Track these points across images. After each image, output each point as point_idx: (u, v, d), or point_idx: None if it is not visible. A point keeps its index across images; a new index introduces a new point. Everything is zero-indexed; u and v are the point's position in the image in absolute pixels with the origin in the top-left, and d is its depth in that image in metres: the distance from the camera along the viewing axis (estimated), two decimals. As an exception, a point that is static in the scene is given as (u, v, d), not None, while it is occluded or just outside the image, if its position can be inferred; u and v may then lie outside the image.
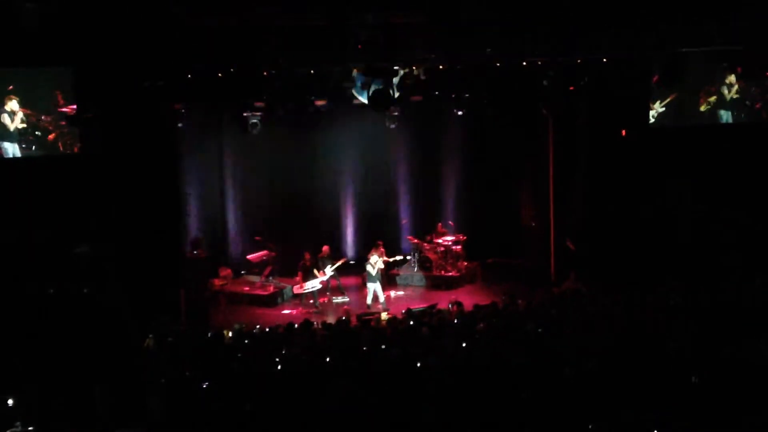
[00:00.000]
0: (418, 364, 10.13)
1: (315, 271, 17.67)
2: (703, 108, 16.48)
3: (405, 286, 19.11)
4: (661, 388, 8.90)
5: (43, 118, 14.55)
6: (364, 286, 18.62)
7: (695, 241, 16.41)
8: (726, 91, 16.46)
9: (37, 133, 14.55)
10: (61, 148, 14.68)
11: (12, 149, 14.44)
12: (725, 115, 16.60)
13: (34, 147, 14.56)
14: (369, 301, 17.36)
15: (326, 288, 18.02)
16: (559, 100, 16.90)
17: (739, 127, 16.65)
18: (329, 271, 17.85)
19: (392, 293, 18.24)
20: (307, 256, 18.05)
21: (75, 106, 14.41)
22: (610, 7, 14.23)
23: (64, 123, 14.58)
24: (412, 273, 19.31)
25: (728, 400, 8.61)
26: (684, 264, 15.71)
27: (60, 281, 14.51)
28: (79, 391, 9.77)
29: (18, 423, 9.07)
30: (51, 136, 14.63)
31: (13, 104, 14.36)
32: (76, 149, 14.78)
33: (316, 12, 13.43)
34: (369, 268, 17.36)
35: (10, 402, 9.56)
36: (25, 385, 10.07)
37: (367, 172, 20.77)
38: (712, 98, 16.41)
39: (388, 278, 18.18)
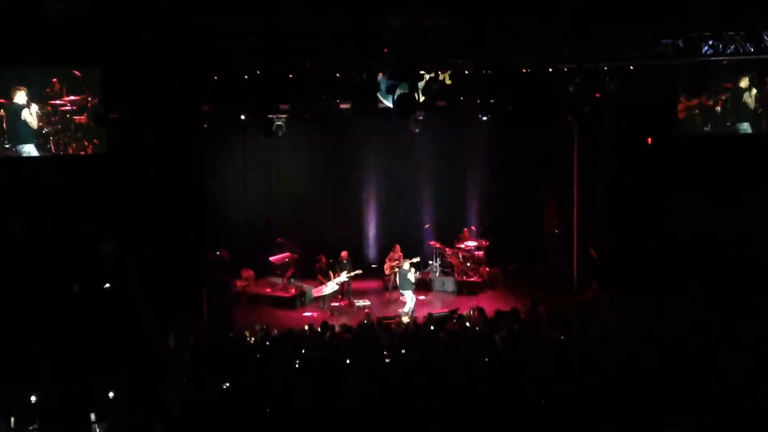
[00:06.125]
0: (438, 369, 10.12)
1: (330, 274, 17.76)
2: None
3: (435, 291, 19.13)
4: (684, 396, 8.83)
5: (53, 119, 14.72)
6: (385, 290, 18.67)
7: (717, 248, 16.26)
8: (748, 101, 16.40)
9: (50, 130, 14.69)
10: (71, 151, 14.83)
11: (28, 148, 14.58)
12: (744, 126, 16.53)
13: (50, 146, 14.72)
14: (410, 307, 17.17)
15: (339, 292, 18.05)
16: (585, 107, 16.82)
17: (761, 137, 16.56)
18: (343, 276, 17.89)
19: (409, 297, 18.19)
20: (323, 259, 18.18)
21: (71, 98, 14.55)
22: (637, 14, 14.14)
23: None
24: (444, 278, 19.26)
25: (752, 407, 8.54)
26: (707, 272, 15.56)
27: (84, 279, 14.63)
28: (98, 390, 9.85)
29: (36, 422, 9.13)
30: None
31: (21, 96, 14.50)
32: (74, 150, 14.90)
33: (340, 15, 13.45)
34: (404, 276, 17.31)
35: (33, 399, 9.66)
36: (46, 382, 10.16)
37: (391, 175, 20.80)
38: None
39: (420, 284, 18.16)
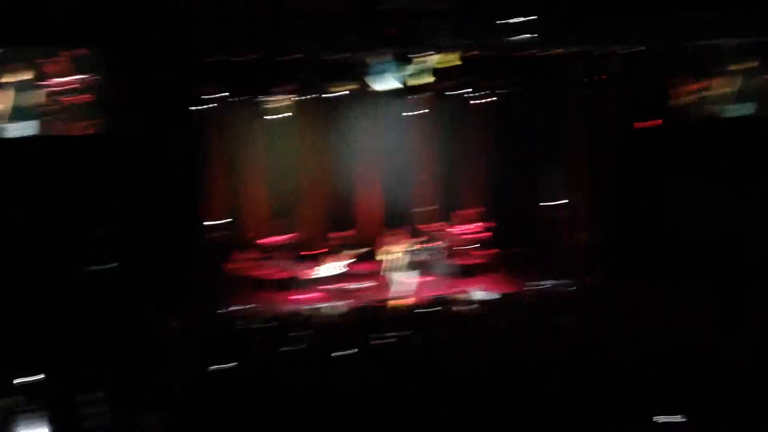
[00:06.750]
0: (439, 352, 10.11)
1: (331, 256, 17.75)
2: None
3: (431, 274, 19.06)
4: (688, 384, 8.82)
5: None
6: (383, 272, 18.61)
7: (723, 235, 16.22)
8: (754, 84, 16.35)
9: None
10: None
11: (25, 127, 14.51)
12: (748, 108, 16.47)
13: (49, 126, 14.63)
14: (409, 289, 17.12)
15: (342, 273, 18.02)
16: (589, 91, 16.76)
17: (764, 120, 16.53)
18: (342, 258, 17.85)
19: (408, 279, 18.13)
20: (327, 240, 18.12)
21: (71, 78, 14.48)
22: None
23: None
24: (439, 260, 19.19)
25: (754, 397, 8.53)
26: (712, 259, 15.53)
27: (80, 263, 14.60)
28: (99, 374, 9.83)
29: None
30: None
31: (20, 74, 14.40)
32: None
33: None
34: (404, 258, 17.28)
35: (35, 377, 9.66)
36: (45, 366, 10.14)
37: (391, 159, 20.71)
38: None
39: (416, 265, 18.11)
